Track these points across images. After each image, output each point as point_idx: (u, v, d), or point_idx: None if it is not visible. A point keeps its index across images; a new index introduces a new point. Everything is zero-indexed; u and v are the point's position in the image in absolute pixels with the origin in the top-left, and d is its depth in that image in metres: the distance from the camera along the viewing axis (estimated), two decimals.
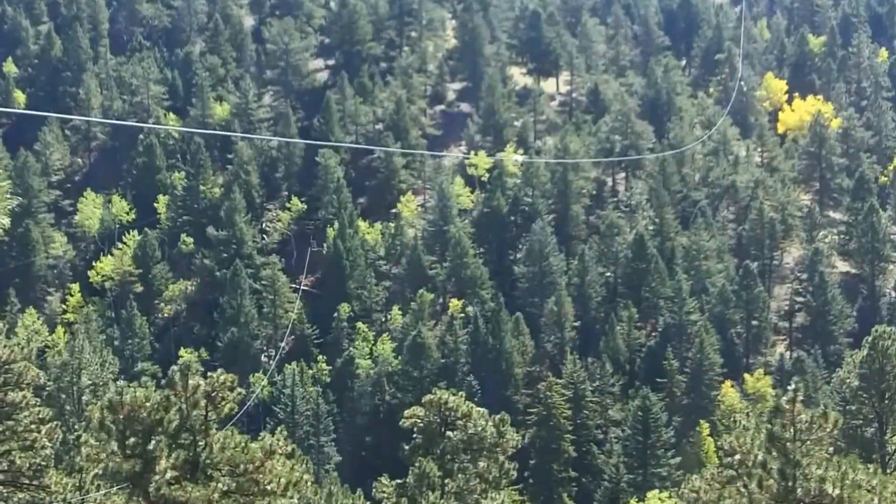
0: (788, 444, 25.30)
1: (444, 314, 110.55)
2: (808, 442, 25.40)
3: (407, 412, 42.17)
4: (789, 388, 25.83)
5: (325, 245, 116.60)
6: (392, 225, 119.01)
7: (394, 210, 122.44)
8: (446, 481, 37.61)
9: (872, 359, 41.37)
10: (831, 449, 26.47)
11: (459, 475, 39.35)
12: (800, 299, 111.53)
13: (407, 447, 41.49)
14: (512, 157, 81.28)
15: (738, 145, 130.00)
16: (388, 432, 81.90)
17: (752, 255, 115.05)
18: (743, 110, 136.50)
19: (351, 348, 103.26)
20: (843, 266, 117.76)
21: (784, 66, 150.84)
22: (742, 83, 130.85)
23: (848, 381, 43.06)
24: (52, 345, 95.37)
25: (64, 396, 68.93)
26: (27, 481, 28.58)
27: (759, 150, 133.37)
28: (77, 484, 29.12)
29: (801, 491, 24.68)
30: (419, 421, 41.09)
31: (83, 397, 67.27)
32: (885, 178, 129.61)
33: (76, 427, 31.18)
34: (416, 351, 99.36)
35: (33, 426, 28.90)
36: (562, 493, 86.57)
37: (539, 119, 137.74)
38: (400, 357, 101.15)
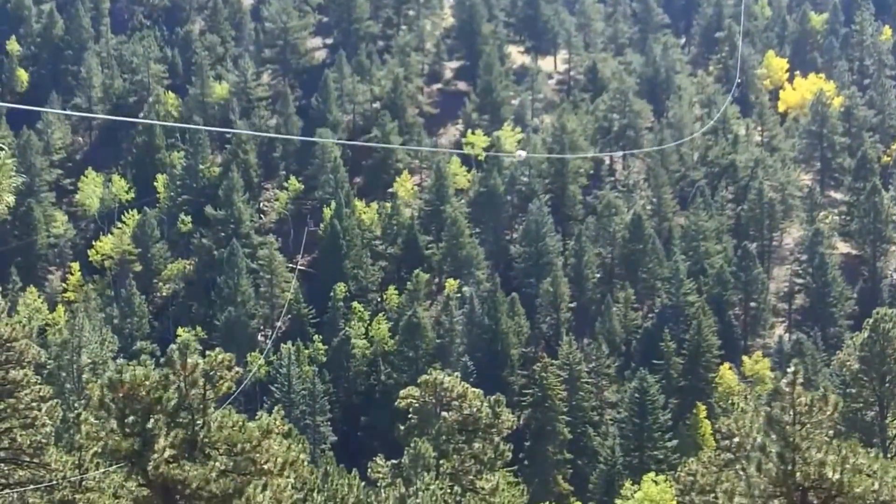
0: (788, 427, 25.15)
1: (440, 294, 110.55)
2: (808, 425, 25.26)
3: (402, 392, 42.23)
4: (789, 370, 25.65)
5: (321, 225, 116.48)
6: (388, 205, 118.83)
7: (390, 190, 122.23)
8: (441, 462, 37.69)
9: (873, 341, 41.27)
10: (831, 432, 26.35)
11: (454, 456, 39.43)
12: (799, 281, 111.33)
13: (402, 427, 41.57)
14: (516, 153, 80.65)
15: (737, 124, 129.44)
16: (384, 412, 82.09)
17: (752, 235, 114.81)
18: (743, 89, 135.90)
19: (347, 328, 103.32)
20: (843, 247, 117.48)
21: (785, 43, 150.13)
22: (741, 73, 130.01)
23: (848, 364, 42.99)
24: (52, 323, 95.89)
25: (64, 374, 69.21)
26: (28, 459, 28.63)
27: (760, 129, 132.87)
28: (76, 462, 29.11)
29: (801, 475, 24.58)
30: (414, 401, 41.14)
31: (83, 375, 67.51)
32: (888, 158, 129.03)
33: (76, 405, 31.16)
34: (411, 331, 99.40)
35: (34, 404, 28.93)
36: (557, 475, 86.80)
37: (537, 98, 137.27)
38: (395, 337, 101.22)
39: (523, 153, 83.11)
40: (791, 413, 24.94)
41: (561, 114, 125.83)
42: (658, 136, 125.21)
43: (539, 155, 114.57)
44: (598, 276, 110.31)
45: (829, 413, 25.57)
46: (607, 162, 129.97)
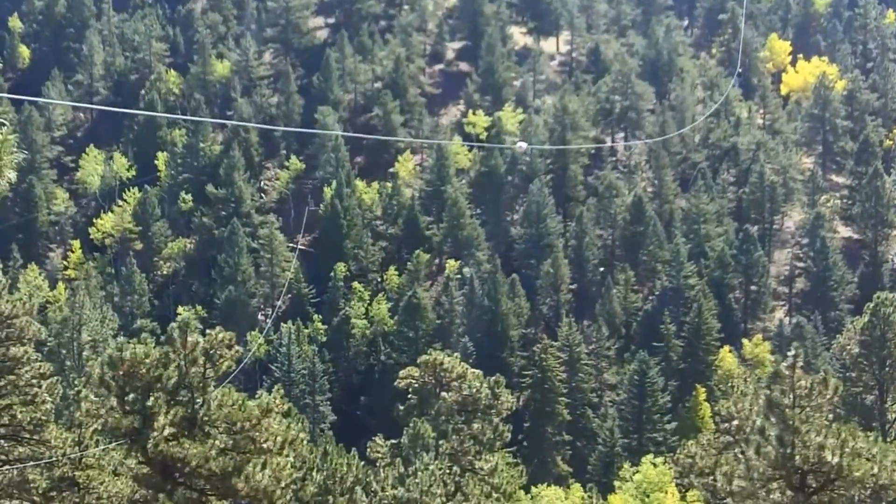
0: (787, 410, 25.14)
1: (440, 275, 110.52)
2: (808, 408, 25.25)
3: (402, 373, 42.28)
4: (789, 353, 25.64)
5: (322, 204, 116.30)
6: (389, 185, 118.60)
7: (391, 170, 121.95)
8: (440, 442, 37.76)
9: (874, 326, 41.22)
10: (831, 416, 26.34)
11: (453, 436, 39.51)
12: (800, 264, 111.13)
13: (401, 407, 41.63)
14: (517, 145, 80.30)
15: (739, 107, 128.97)
16: (383, 392, 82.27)
17: (753, 218, 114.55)
18: (745, 72, 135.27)
19: (347, 308, 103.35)
20: (844, 231, 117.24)
21: (788, 26, 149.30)
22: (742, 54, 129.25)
23: (848, 348, 42.96)
24: (52, 301, 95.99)
25: (64, 352, 69.34)
26: (27, 436, 28.67)
27: (762, 111, 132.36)
28: (76, 439, 29.16)
29: (800, 458, 24.59)
30: (414, 381, 41.20)
31: (83, 353, 67.66)
32: (890, 142, 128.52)
33: (76, 382, 31.11)
34: (411, 311, 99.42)
35: (34, 381, 28.93)
36: (556, 456, 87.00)
37: (538, 79, 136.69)
38: (395, 317, 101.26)
39: (524, 145, 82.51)
40: (791, 396, 24.93)
41: (563, 95, 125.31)
42: (660, 118, 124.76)
43: (540, 146, 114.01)
44: (599, 257, 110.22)
45: (828, 397, 25.56)
46: (609, 143, 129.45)
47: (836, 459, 24.26)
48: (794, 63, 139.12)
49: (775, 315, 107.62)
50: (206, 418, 23.38)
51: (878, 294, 43.39)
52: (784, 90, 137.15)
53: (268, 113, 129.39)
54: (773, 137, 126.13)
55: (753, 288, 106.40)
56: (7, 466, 28.14)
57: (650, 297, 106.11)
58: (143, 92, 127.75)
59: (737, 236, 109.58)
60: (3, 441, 28.56)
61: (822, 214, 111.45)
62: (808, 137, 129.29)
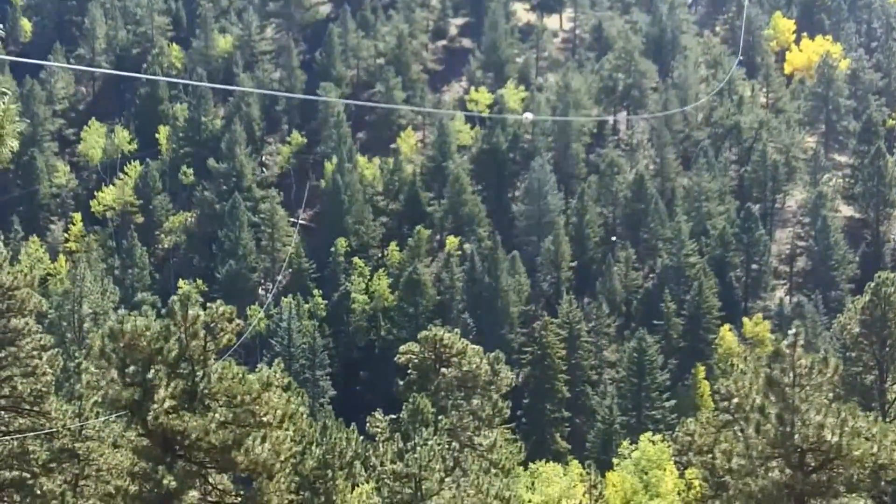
0: (787, 389, 25.11)
1: (441, 251, 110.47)
2: (808, 387, 25.20)
3: (402, 348, 42.28)
4: (790, 332, 25.56)
5: (323, 180, 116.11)
6: (391, 160, 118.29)
7: (393, 146, 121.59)
8: (440, 418, 37.82)
9: (874, 305, 41.17)
10: (830, 395, 26.30)
11: (453, 412, 39.60)
12: (801, 243, 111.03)
13: (401, 383, 41.68)
14: (523, 115, 79.73)
15: (743, 85, 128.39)
16: (383, 368, 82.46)
17: (754, 197, 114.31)
18: (749, 50, 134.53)
19: (347, 283, 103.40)
20: (846, 210, 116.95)
21: (793, 5, 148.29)
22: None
23: (849, 327, 42.94)
24: (54, 273, 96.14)
25: (65, 324, 69.42)
26: (28, 407, 28.74)
27: (765, 90, 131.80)
28: (77, 411, 29.24)
29: (799, 437, 24.58)
30: (414, 357, 41.22)
31: (84, 325, 67.71)
32: (893, 122, 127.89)
33: (77, 355, 31.21)
34: (411, 287, 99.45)
35: (35, 353, 28.98)
36: (554, 433, 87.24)
37: (541, 56, 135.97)
38: (396, 293, 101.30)
39: (530, 115, 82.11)
40: (791, 375, 24.89)
41: (566, 72, 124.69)
42: (663, 96, 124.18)
43: (545, 117, 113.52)
44: (600, 235, 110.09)
45: (828, 376, 25.52)
46: (611, 121, 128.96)
47: (835, 439, 24.24)
48: (798, 42, 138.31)
49: (776, 294, 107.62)
50: (206, 391, 23.38)
51: (879, 273, 43.28)
52: (788, 69, 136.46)
53: (270, 88, 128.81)
54: (776, 116, 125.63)
55: (754, 267, 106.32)
56: (7, 437, 28.22)
57: (651, 275, 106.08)
58: (144, 66, 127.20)
59: (738, 215, 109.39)
60: (3, 412, 28.65)
61: (824, 194, 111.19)
62: (811, 116, 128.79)
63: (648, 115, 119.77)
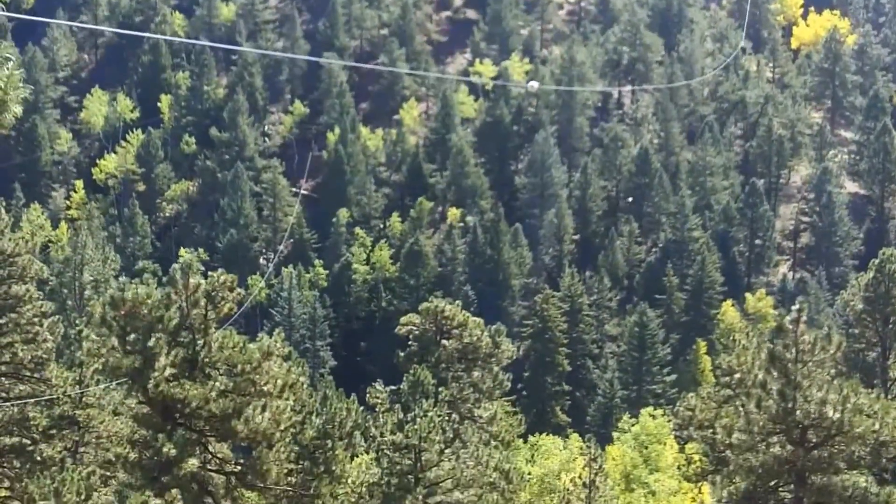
0: (790, 364, 25.08)
1: (443, 223, 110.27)
2: (810, 364, 25.18)
3: (403, 319, 42.15)
4: (793, 308, 25.47)
5: (325, 150, 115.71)
6: (394, 132, 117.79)
7: (396, 117, 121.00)
8: (440, 389, 37.75)
9: (878, 282, 41.00)
10: (833, 372, 26.28)
11: (453, 384, 39.53)
12: (806, 219, 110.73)
13: (402, 354, 41.58)
14: (528, 84, 78.96)
15: (748, 60, 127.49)
16: (384, 339, 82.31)
17: (759, 172, 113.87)
18: (756, 24, 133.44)
19: (348, 254, 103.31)
20: (851, 187, 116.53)
21: None
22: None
23: (852, 304, 42.79)
24: (55, 240, 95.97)
25: (66, 291, 69.42)
26: (28, 374, 28.71)
27: (771, 65, 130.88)
28: (77, 378, 29.20)
29: (801, 413, 24.57)
30: (415, 328, 41.09)
31: (85, 293, 67.68)
32: None
33: (77, 322, 31.09)
34: (413, 259, 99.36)
35: (35, 319, 28.91)
36: (555, 406, 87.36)
37: (546, 28, 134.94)
38: (397, 264, 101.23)
39: (535, 84, 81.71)
40: (794, 351, 24.83)
41: (570, 45, 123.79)
42: (668, 70, 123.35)
43: (551, 87, 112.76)
44: (603, 209, 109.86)
45: (831, 352, 25.47)
46: (616, 95, 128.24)
47: (837, 415, 24.23)
48: (805, 16, 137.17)
49: (779, 270, 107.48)
50: (206, 360, 23.27)
51: (883, 250, 43.06)
52: (794, 44, 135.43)
53: (272, 58, 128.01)
54: (781, 91, 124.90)
55: (758, 242, 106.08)
56: (8, 404, 28.21)
57: (653, 250, 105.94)
58: (147, 34, 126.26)
59: (743, 190, 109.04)
60: (4, 378, 28.63)
61: (830, 169, 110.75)
62: (817, 92, 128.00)
63: (653, 87, 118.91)
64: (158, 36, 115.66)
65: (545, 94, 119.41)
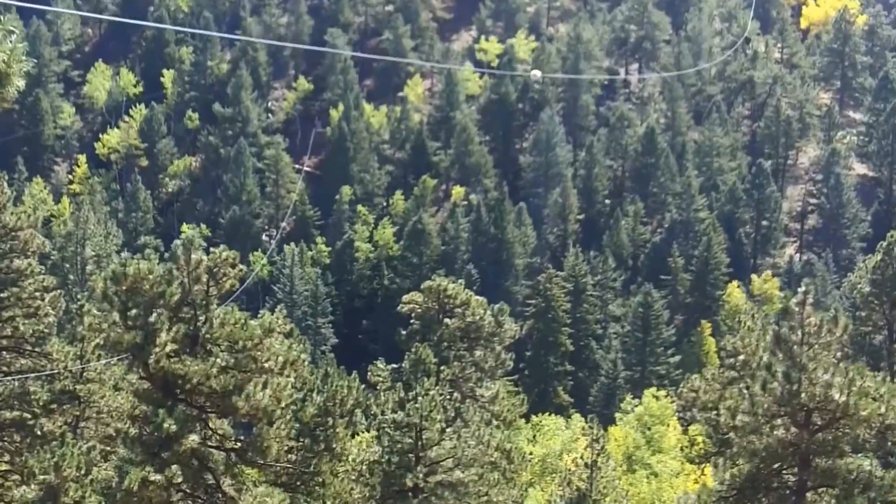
0: (795, 347, 24.82)
1: (447, 201, 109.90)
2: (816, 346, 24.93)
3: (405, 298, 41.93)
4: (800, 289, 25.23)
5: (329, 127, 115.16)
6: (398, 109, 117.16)
7: (400, 94, 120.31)
8: (442, 368, 37.61)
9: (886, 265, 40.58)
10: (839, 354, 26.05)
11: (455, 363, 39.38)
12: (813, 201, 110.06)
13: (404, 332, 41.39)
14: (531, 73, 78.22)
15: (757, 40, 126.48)
16: (386, 317, 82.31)
17: (767, 153, 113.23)
18: (765, 3, 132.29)
19: (351, 231, 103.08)
20: (860, 168, 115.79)
21: None
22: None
23: (859, 286, 42.43)
24: (57, 215, 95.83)
25: (68, 266, 69.35)
26: (29, 348, 28.61)
27: (780, 45, 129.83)
28: (78, 353, 29.07)
29: (806, 395, 24.34)
30: (417, 307, 40.88)
31: (87, 267, 67.56)
32: None
33: (79, 297, 30.92)
34: (416, 237, 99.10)
35: (37, 294, 28.78)
36: (557, 386, 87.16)
37: (553, 5, 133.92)
38: (400, 242, 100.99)
39: (538, 73, 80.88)
40: (800, 333, 24.56)
41: (577, 23, 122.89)
42: (675, 49, 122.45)
43: (555, 75, 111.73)
44: (609, 188, 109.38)
45: (838, 335, 25.20)
46: (620, 79, 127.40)
47: (842, 398, 23.98)
48: None
49: (786, 251, 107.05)
50: (207, 336, 23.12)
51: (891, 232, 42.58)
52: (804, 23, 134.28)
53: (277, 33, 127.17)
54: (790, 72, 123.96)
55: (764, 223, 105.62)
56: (8, 378, 28.11)
57: (659, 230, 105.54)
58: (151, 8, 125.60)
59: (750, 171, 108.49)
60: (5, 353, 28.51)
61: (838, 151, 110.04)
62: (826, 72, 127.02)
63: (658, 72, 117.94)
64: (156, 25, 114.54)
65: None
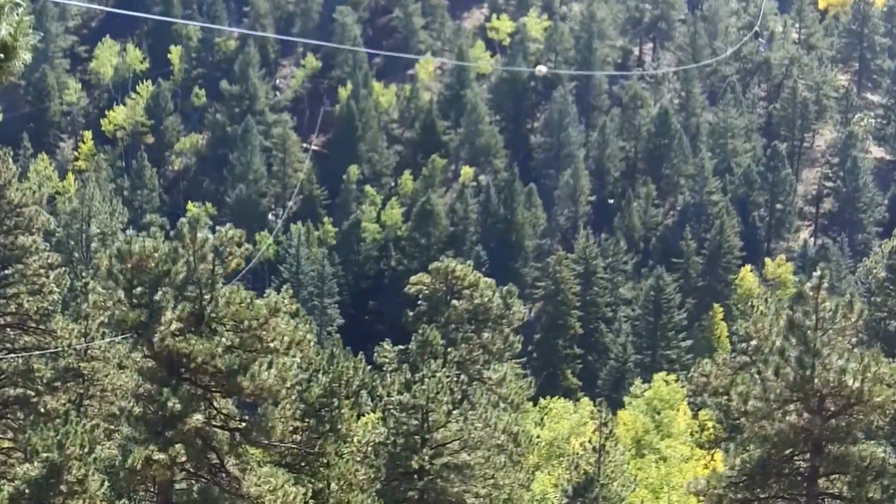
0: (809, 332, 24.44)
1: (456, 182, 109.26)
2: (831, 331, 24.57)
3: (413, 279, 41.59)
4: (814, 274, 24.85)
5: (337, 105, 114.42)
6: (407, 87, 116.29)
7: (410, 72, 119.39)
8: (449, 350, 37.30)
9: None
10: (853, 340, 25.72)
11: (463, 345, 39.07)
12: (829, 184, 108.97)
13: (411, 314, 41.06)
14: (536, 68, 77.37)
15: (774, 20, 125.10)
16: (393, 298, 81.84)
17: (782, 135, 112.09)
18: None
19: (358, 211, 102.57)
20: (877, 151, 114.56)
21: None
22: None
23: (875, 271, 41.89)
24: (62, 191, 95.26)
25: (73, 243, 68.97)
26: (34, 325, 28.40)
27: (797, 25, 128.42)
28: (83, 330, 28.84)
29: (819, 381, 23.96)
30: (425, 288, 40.54)
31: (91, 245, 67.16)
32: None
33: (84, 274, 30.67)
34: (424, 217, 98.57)
35: (42, 271, 28.55)
36: (566, 369, 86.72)
37: None
38: (408, 223, 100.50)
39: (544, 68, 79.89)
40: (814, 318, 24.20)
41: (591, 2, 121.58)
42: (691, 29, 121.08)
43: (561, 71, 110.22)
44: (621, 170, 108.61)
45: (852, 320, 24.85)
46: (636, 53, 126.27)
47: (856, 384, 23.64)
48: None
49: (800, 235, 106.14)
50: (213, 315, 22.82)
51: None
52: (822, 4, 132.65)
53: (285, 10, 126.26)
54: (807, 53, 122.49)
55: (779, 206, 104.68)
56: (12, 355, 27.91)
57: (671, 212, 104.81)
58: None
59: (765, 153, 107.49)
60: (9, 329, 28.31)
61: (855, 133, 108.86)
62: (844, 54, 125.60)
63: (673, 69, 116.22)
64: (156, 17, 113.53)
65: (564, 49, 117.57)
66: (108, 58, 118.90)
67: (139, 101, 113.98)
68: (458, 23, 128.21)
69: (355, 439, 30.79)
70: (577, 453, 34.45)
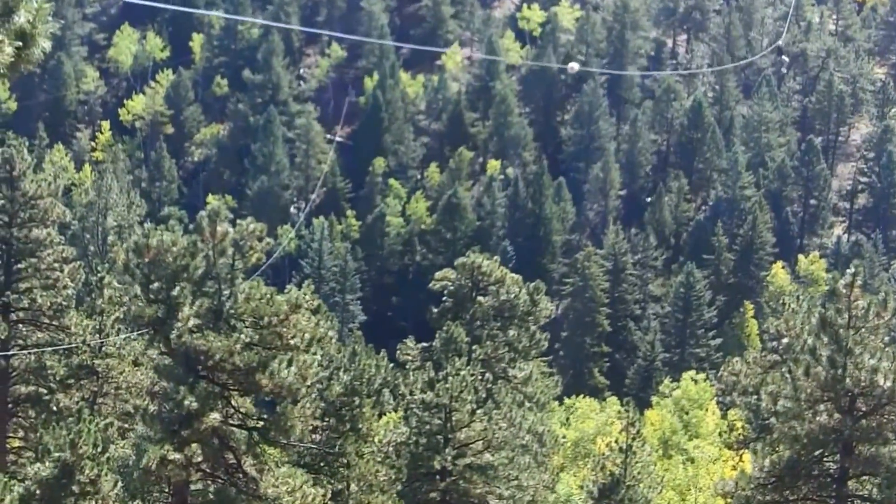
0: (841, 330, 24.19)
1: (483, 175, 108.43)
2: (863, 330, 24.31)
3: (438, 274, 41.13)
4: (848, 271, 24.43)
5: (363, 96, 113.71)
6: (435, 78, 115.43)
7: (438, 62, 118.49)
8: (474, 347, 36.81)
9: None
10: (886, 339, 25.28)
11: (488, 342, 38.53)
12: (864, 179, 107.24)
13: (435, 310, 40.58)
14: (568, 65, 76.69)
15: (811, 11, 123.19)
16: (417, 294, 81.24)
17: (817, 129, 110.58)
18: None
19: (383, 205, 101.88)
20: None
21: None
22: None
23: None
24: (78, 183, 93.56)
25: (88, 236, 68.33)
26: (47, 321, 28.09)
27: (834, 17, 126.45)
28: (97, 326, 28.51)
29: (851, 381, 23.66)
30: (450, 284, 40.05)
31: (108, 238, 66.53)
32: None
33: (99, 268, 30.33)
34: (450, 211, 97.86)
35: (56, 265, 28.28)
36: (593, 368, 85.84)
37: None
38: (433, 217, 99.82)
39: (576, 65, 78.64)
40: (846, 316, 23.93)
41: None
42: (726, 20, 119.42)
43: (593, 69, 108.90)
44: (652, 164, 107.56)
45: (886, 319, 24.56)
46: (670, 44, 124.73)
47: (889, 384, 23.49)
48: None
49: (834, 231, 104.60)
50: (232, 311, 22.46)
51: None
52: None
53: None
54: (844, 45, 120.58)
55: (813, 202, 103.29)
56: (25, 351, 27.64)
57: (703, 207, 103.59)
58: None
59: (799, 147, 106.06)
60: (22, 325, 28.05)
61: (891, 128, 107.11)
62: (881, 46, 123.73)
63: (704, 70, 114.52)
64: (171, 6, 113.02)
65: (595, 41, 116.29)
66: (128, 45, 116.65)
67: (159, 91, 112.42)
68: (487, 12, 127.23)
69: (376, 439, 30.37)
70: (603, 454, 33.77)
